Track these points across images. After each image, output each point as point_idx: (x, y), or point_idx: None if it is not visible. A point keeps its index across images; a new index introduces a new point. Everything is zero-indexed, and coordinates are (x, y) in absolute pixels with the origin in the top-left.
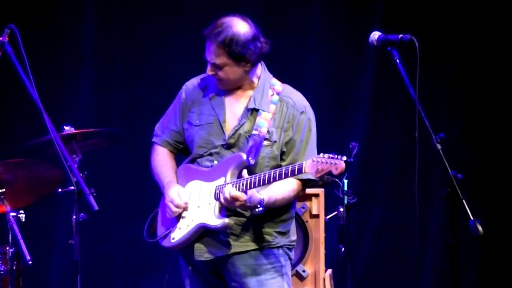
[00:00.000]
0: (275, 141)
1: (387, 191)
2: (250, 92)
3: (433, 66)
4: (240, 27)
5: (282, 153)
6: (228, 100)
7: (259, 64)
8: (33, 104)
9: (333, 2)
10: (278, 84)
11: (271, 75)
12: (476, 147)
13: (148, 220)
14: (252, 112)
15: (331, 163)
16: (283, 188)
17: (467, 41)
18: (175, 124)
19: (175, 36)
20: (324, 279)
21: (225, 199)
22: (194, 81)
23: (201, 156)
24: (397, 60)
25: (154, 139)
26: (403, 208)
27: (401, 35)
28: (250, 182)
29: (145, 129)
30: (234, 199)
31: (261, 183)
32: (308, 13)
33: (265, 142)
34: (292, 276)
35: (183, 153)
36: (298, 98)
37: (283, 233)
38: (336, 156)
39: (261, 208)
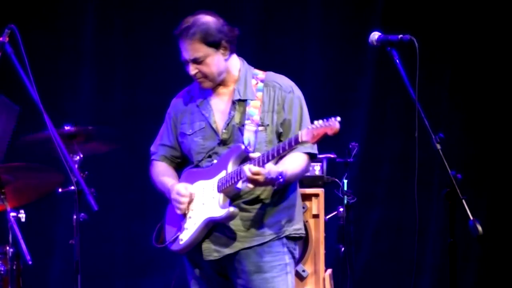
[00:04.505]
0: (268, 125)
1: (387, 191)
2: (232, 86)
3: (433, 66)
4: (207, 18)
5: (280, 135)
6: (214, 101)
7: (238, 58)
8: (33, 104)
9: (333, 2)
10: (260, 73)
11: (251, 67)
12: (475, 147)
13: (155, 230)
14: (239, 103)
15: (325, 125)
16: (295, 163)
17: (466, 41)
18: (169, 140)
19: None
20: (324, 279)
21: (248, 178)
22: (179, 95)
23: (201, 161)
24: (397, 60)
25: (152, 157)
26: (403, 208)
27: (400, 35)
28: (263, 159)
29: (145, 129)
30: (256, 174)
31: (270, 158)
32: (308, 13)
33: (260, 128)
34: None
35: (181, 167)
36: (283, 81)
37: (288, 221)
38: (330, 118)
39: (282, 180)
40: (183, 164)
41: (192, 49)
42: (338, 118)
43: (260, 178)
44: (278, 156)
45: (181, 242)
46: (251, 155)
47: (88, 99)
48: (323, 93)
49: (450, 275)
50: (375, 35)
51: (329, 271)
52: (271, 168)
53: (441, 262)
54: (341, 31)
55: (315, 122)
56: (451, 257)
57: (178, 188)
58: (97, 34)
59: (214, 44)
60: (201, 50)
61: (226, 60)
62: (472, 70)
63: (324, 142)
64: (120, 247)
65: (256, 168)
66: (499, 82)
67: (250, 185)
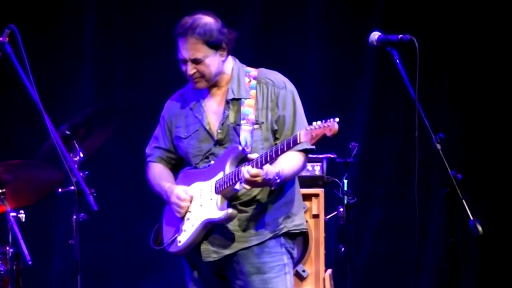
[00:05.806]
0: (263, 122)
1: (387, 191)
2: (226, 86)
3: (433, 66)
4: (207, 18)
5: (275, 132)
6: (207, 102)
7: (231, 57)
8: (33, 105)
9: (333, 2)
10: (252, 70)
11: (243, 65)
12: (475, 147)
13: (153, 231)
14: (233, 102)
15: (324, 126)
16: (291, 162)
17: (467, 41)
18: (164, 143)
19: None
20: (324, 279)
21: (246, 180)
22: (172, 99)
23: (198, 163)
24: (397, 60)
25: (148, 159)
26: (403, 208)
27: (401, 35)
28: (261, 161)
29: (145, 129)
30: (254, 176)
31: (269, 159)
32: (308, 13)
33: (255, 126)
34: None
35: (177, 168)
36: (275, 76)
37: (287, 217)
38: (328, 119)
39: (278, 180)
40: (179, 165)
41: (193, 49)
42: (337, 119)
43: (258, 179)
44: (276, 157)
45: (179, 244)
46: (249, 156)
47: (88, 99)
48: (323, 93)
49: (450, 275)
50: (375, 35)
51: (329, 271)
52: (269, 169)
53: (441, 262)
54: (341, 31)
55: (314, 123)
56: (451, 257)
57: (178, 192)
58: (97, 35)
59: (215, 45)
60: (202, 50)
61: (223, 61)
62: (472, 70)
63: (324, 142)
64: (120, 247)
65: (254, 170)
66: (499, 82)
67: (247, 186)
